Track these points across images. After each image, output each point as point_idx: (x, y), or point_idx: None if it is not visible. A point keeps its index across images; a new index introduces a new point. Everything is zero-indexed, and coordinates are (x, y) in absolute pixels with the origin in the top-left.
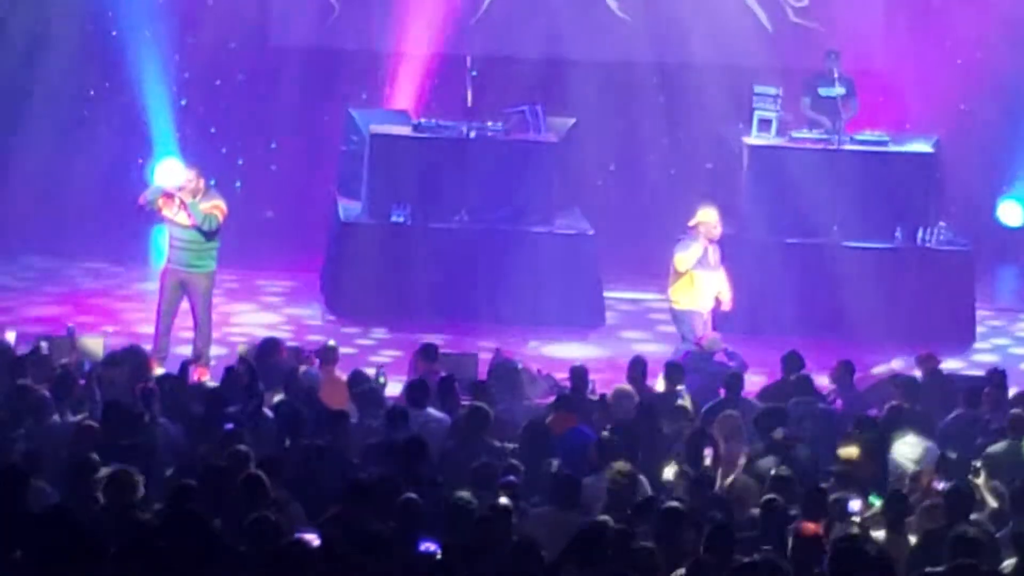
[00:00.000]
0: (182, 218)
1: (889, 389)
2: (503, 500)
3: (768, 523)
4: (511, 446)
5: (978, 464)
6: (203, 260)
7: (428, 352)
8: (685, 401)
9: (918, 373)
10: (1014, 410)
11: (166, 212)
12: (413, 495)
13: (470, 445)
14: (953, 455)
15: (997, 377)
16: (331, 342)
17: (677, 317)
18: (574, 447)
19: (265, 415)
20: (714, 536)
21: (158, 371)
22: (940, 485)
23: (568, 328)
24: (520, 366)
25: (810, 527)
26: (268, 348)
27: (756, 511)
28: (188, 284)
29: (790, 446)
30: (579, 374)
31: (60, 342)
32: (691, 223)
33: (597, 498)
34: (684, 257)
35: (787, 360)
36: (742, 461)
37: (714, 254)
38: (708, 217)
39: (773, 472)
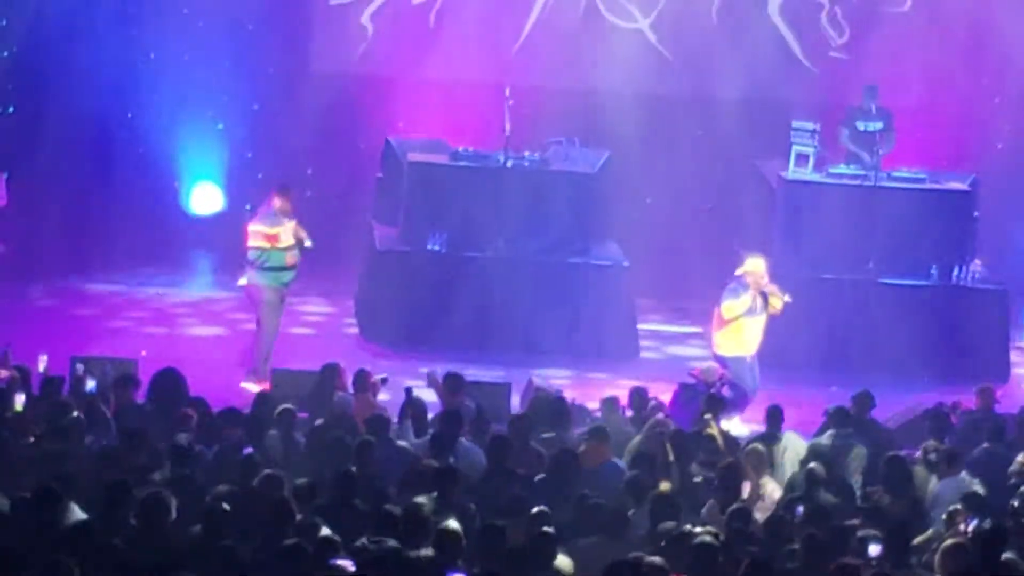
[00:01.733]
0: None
1: (922, 426)
2: (546, 528)
3: (810, 558)
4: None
5: (1016, 503)
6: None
7: (452, 382)
8: (714, 432)
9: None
10: None
11: (301, 235)
12: (453, 523)
13: (495, 475)
14: (982, 492)
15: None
16: (366, 369)
17: (724, 363)
18: (607, 480)
19: (297, 440)
20: (752, 571)
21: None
22: (970, 524)
23: (602, 359)
24: (558, 396)
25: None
26: (329, 374)
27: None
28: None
29: (827, 482)
30: (610, 406)
31: (94, 363)
32: (739, 272)
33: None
34: (733, 306)
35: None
36: (776, 495)
37: (760, 300)
38: (757, 267)
39: (803, 508)
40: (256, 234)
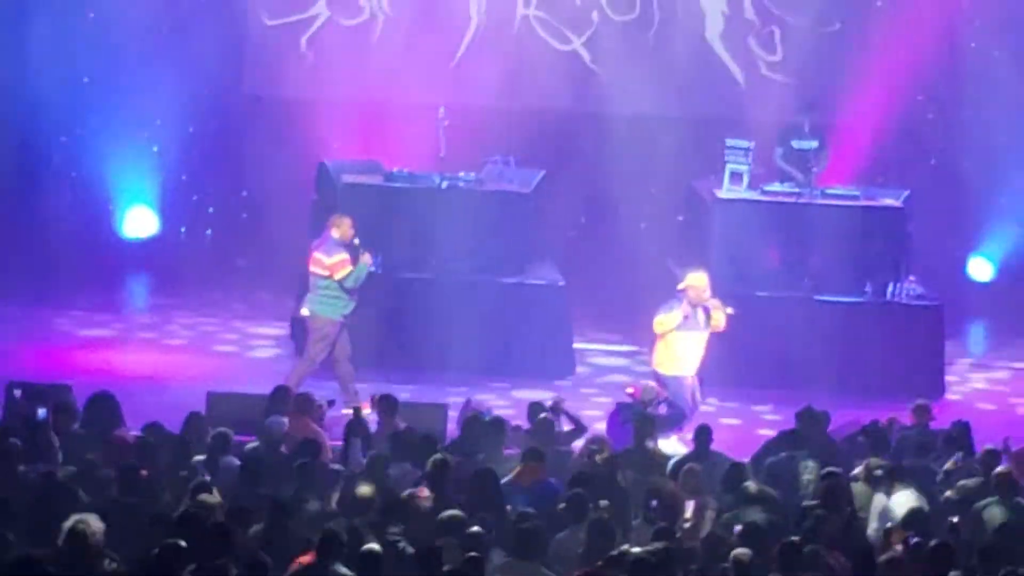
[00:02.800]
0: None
1: (859, 442)
2: (472, 553)
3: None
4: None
5: (955, 519)
6: None
7: (386, 404)
8: (655, 453)
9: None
10: (1001, 468)
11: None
12: (376, 546)
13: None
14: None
15: (960, 431)
16: (307, 392)
17: (663, 382)
18: (542, 499)
19: (232, 464)
20: None
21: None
22: (911, 540)
23: (539, 378)
24: (488, 417)
25: None
26: (279, 397)
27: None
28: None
29: (763, 499)
30: (545, 427)
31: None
32: (680, 286)
33: (571, 553)
34: (663, 319)
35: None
36: (711, 514)
37: (703, 315)
38: (697, 282)
39: (741, 526)
40: (317, 262)
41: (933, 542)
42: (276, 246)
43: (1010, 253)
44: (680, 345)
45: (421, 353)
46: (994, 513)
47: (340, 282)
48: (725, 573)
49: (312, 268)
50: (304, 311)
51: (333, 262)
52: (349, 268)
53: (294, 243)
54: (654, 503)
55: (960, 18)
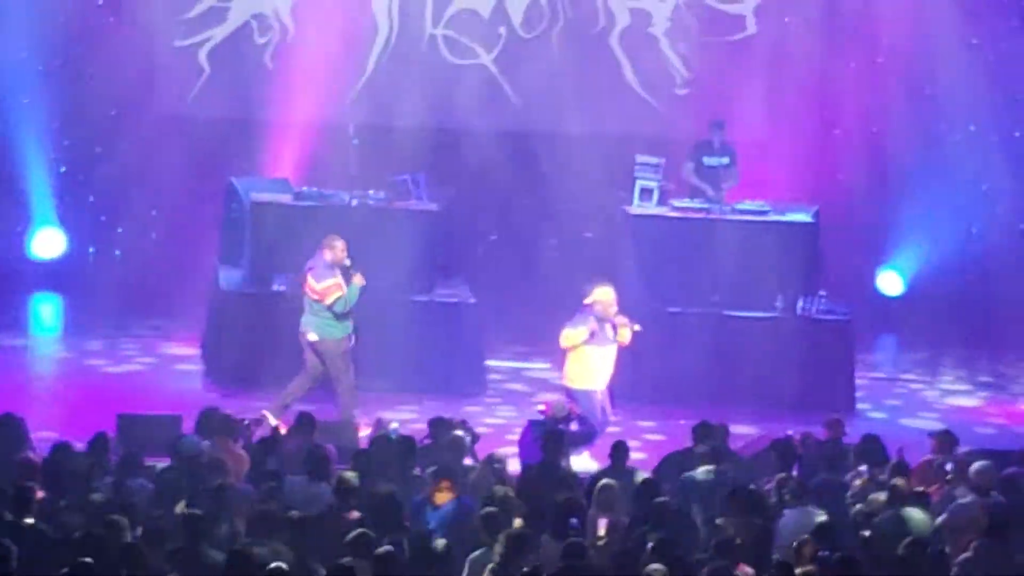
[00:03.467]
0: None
1: (770, 457)
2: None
3: None
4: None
5: (867, 533)
6: None
7: (303, 422)
8: (571, 471)
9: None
10: (895, 480)
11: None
12: (280, 564)
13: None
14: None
15: (870, 444)
16: (227, 413)
17: (573, 396)
18: (455, 518)
19: (143, 486)
20: None
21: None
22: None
23: (450, 396)
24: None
25: None
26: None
27: None
28: None
29: (676, 515)
30: (454, 445)
31: None
32: (587, 301)
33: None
34: (569, 334)
35: (697, 430)
36: (602, 529)
37: (610, 330)
38: (604, 296)
39: (652, 543)
40: (310, 286)
41: (838, 555)
42: (186, 265)
43: (919, 267)
44: (589, 360)
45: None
46: (894, 524)
47: (330, 307)
48: None
49: (306, 291)
50: (312, 336)
51: (323, 287)
52: (339, 293)
53: (204, 262)
54: (574, 520)
55: (867, 35)
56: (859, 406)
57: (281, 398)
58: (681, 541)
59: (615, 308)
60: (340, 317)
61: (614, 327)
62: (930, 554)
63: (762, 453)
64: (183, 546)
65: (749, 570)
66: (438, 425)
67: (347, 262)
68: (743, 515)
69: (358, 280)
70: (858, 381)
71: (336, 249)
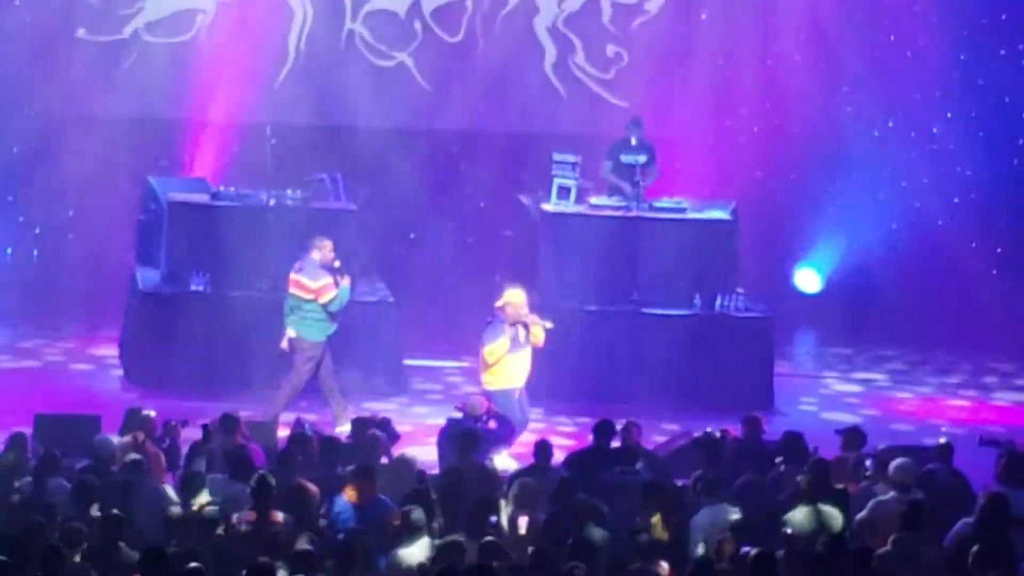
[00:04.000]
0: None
1: (693, 454)
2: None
3: None
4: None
5: (789, 531)
6: None
7: (227, 422)
8: (490, 469)
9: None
10: (802, 477)
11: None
12: (198, 565)
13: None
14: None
15: (792, 441)
16: (148, 412)
17: (491, 397)
18: (373, 516)
19: (60, 485)
20: None
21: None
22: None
23: (370, 396)
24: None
25: None
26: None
27: None
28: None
29: (595, 513)
30: (371, 444)
31: None
32: (498, 304)
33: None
34: (494, 349)
35: (598, 429)
36: (523, 527)
37: (523, 332)
38: (515, 298)
39: (571, 540)
40: (300, 285)
41: (755, 552)
42: (103, 266)
43: (837, 264)
44: (506, 364)
45: (252, 371)
46: (801, 520)
47: (325, 306)
48: None
49: (293, 291)
50: (290, 332)
51: (319, 286)
52: (334, 292)
53: (121, 262)
54: (493, 519)
55: (786, 32)
56: (777, 403)
57: (276, 402)
58: (600, 539)
59: (526, 309)
60: (331, 318)
61: (526, 328)
62: (848, 550)
63: (682, 450)
64: (100, 545)
65: (666, 567)
66: (358, 424)
67: (336, 263)
68: (661, 512)
69: (346, 282)
70: (776, 378)
71: (325, 249)
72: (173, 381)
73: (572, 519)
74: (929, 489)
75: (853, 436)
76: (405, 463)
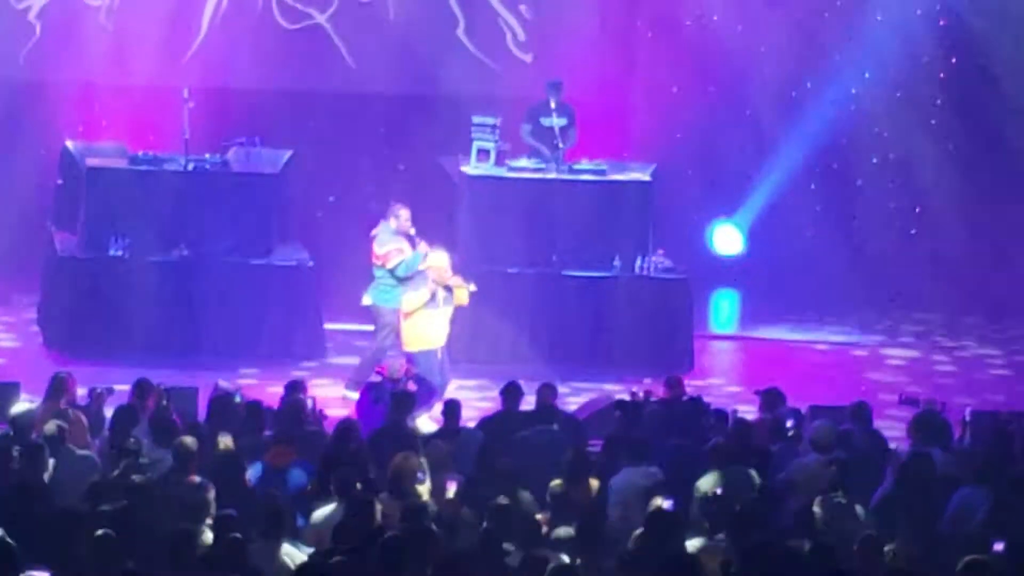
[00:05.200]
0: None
1: (611, 416)
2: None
3: (487, 553)
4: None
5: (718, 491)
6: None
7: (142, 387)
8: (416, 431)
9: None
10: (716, 440)
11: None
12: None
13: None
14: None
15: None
16: (64, 375)
17: (412, 359)
18: (294, 481)
19: None
20: (441, 570)
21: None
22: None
23: (290, 360)
24: (239, 399)
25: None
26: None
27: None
28: None
29: (513, 475)
30: (295, 408)
31: None
32: (421, 266)
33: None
34: (411, 299)
35: (507, 392)
36: (453, 490)
37: (444, 293)
38: (439, 261)
39: (492, 503)
40: (372, 252)
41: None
42: (21, 231)
43: (757, 226)
44: (425, 323)
45: (171, 336)
46: (709, 482)
47: (392, 271)
48: (471, 550)
49: (372, 259)
50: (366, 300)
51: (384, 251)
52: (400, 257)
53: (39, 227)
54: (421, 476)
55: None
56: (698, 364)
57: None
58: (517, 503)
59: (450, 272)
60: (402, 282)
61: (449, 290)
62: (770, 510)
63: (602, 413)
64: (19, 511)
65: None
66: (287, 389)
67: (411, 230)
68: (577, 476)
69: (422, 248)
70: (696, 339)
71: (400, 218)
72: (92, 346)
73: (490, 482)
74: (846, 449)
75: (772, 397)
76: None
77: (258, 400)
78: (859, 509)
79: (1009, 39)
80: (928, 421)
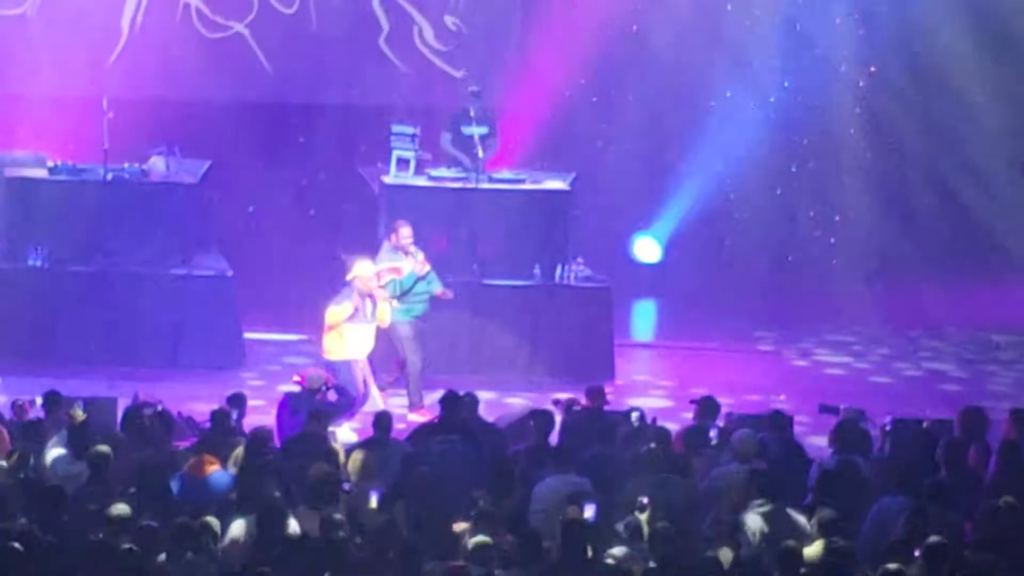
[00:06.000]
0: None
1: (528, 426)
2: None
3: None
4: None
5: (645, 500)
6: None
7: (53, 400)
8: (337, 443)
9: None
10: (650, 446)
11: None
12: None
13: (96, 491)
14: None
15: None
16: None
17: (332, 368)
18: (216, 490)
19: None
20: None
21: None
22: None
23: (209, 370)
24: (160, 408)
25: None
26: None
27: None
28: None
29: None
30: (220, 417)
31: None
32: (348, 276)
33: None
34: (335, 312)
35: (444, 401)
36: (374, 501)
37: (370, 306)
38: (364, 271)
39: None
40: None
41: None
42: None
43: (675, 234)
44: (350, 335)
45: (91, 347)
46: (642, 490)
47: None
48: (391, 561)
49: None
50: (384, 321)
51: (378, 270)
52: (392, 276)
53: None
54: (347, 486)
55: (623, 3)
56: (618, 373)
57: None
58: (439, 512)
59: (375, 282)
60: (401, 300)
61: (374, 303)
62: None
63: (521, 421)
64: None
65: (510, 538)
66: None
67: (411, 248)
68: (498, 485)
69: (408, 265)
70: (616, 348)
71: (400, 235)
72: (11, 357)
73: (411, 492)
74: (764, 458)
75: (707, 405)
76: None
77: (169, 411)
78: (799, 518)
79: (924, 49)
80: (849, 429)
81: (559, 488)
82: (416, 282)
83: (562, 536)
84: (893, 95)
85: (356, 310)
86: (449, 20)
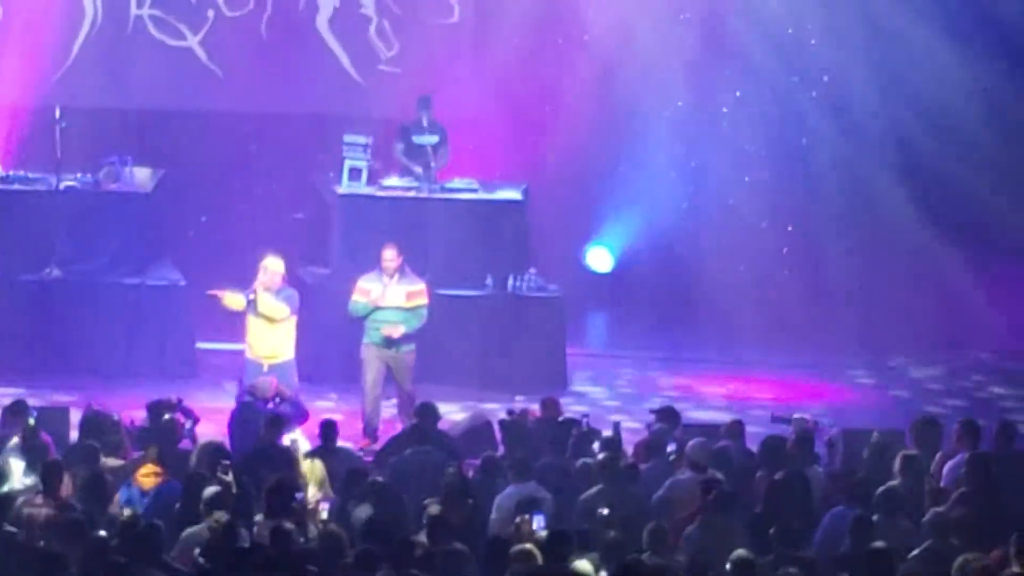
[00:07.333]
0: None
1: (485, 435)
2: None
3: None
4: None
5: (605, 511)
6: None
7: (15, 409)
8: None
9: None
10: (602, 455)
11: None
12: None
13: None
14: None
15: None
16: None
17: (276, 370)
18: (164, 501)
19: None
20: None
21: None
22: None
23: (162, 380)
24: (117, 417)
25: None
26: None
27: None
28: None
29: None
30: (169, 428)
31: None
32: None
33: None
34: (230, 298)
35: (419, 412)
36: (325, 510)
37: (264, 303)
38: (272, 265)
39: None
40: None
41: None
42: None
43: (628, 244)
44: (249, 329)
45: (42, 356)
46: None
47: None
48: (344, 569)
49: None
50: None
51: (369, 287)
52: (354, 297)
53: None
54: (299, 496)
55: (575, 13)
56: (571, 383)
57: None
58: (392, 521)
59: (269, 279)
60: (365, 322)
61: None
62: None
63: (476, 431)
64: None
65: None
66: (155, 408)
67: (392, 271)
68: (452, 495)
69: (376, 292)
70: (569, 358)
71: (383, 258)
72: None
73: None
74: (723, 466)
75: (667, 415)
76: (211, 447)
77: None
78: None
79: (875, 60)
80: (801, 440)
81: (514, 498)
82: (374, 310)
83: None
84: (844, 105)
85: (250, 302)
86: (400, 28)
